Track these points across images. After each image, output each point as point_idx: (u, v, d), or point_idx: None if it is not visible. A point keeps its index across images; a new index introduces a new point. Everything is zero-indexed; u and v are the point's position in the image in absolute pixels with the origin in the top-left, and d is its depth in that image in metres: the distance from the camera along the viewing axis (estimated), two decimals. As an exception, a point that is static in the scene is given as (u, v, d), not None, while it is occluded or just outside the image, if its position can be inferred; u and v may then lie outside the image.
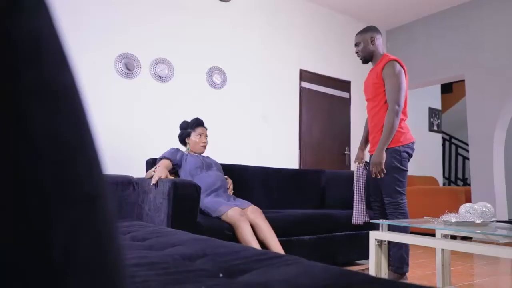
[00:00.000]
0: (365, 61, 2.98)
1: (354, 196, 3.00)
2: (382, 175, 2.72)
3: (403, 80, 2.75)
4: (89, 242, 0.22)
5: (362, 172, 2.97)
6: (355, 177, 2.99)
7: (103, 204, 0.24)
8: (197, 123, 3.18)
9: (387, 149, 2.75)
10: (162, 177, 2.66)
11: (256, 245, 2.58)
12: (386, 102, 2.79)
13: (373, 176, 2.77)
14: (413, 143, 2.83)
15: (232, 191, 3.22)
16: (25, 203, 0.20)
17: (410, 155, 2.81)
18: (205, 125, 3.25)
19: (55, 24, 0.23)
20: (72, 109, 0.24)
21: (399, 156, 2.74)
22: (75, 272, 0.21)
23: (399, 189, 2.73)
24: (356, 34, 2.99)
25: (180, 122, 3.27)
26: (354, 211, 3.01)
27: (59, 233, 0.21)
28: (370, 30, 2.94)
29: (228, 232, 2.64)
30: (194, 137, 3.14)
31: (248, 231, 2.62)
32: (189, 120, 3.26)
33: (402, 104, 2.74)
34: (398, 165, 2.73)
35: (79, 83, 0.25)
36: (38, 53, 0.21)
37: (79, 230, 0.22)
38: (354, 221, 3.01)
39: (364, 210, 2.98)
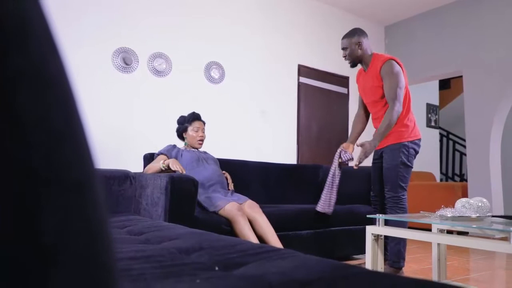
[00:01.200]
0: (353, 65, 2.95)
1: (327, 183, 2.92)
2: (356, 167, 2.71)
3: (403, 79, 2.74)
4: (79, 228, 0.22)
5: (337, 158, 2.89)
6: (333, 165, 2.93)
7: (93, 191, 0.24)
8: (194, 117, 3.16)
9: (396, 144, 2.76)
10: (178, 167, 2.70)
11: (255, 240, 2.59)
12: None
13: (356, 162, 2.72)
14: (419, 140, 2.85)
15: (232, 184, 3.23)
16: (13, 190, 0.20)
17: (417, 152, 2.82)
18: (203, 119, 3.24)
19: (43, 10, 0.23)
20: (61, 95, 0.23)
21: (407, 152, 2.75)
22: (65, 258, 0.21)
23: (402, 185, 2.74)
24: (342, 38, 2.94)
25: (178, 117, 3.25)
26: (323, 197, 2.91)
27: (49, 219, 0.21)
28: (356, 34, 2.89)
29: (226, 227, 2.65)
30: (191, 131, 3.12)
31: (246, 226, 2.63)
32: (186, 114, 3.25)
33: (402, 102, 2.72)
34: (405, 160, 2.74)
35: (69, 70, 0.25)
36: (25, 39, 0.21)
37: (69, 217, 0.22)
38: (318, 208, 2.93)
39: (332, 199, 2.89)
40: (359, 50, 2.87)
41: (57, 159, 0.22)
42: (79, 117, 0.25)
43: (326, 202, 2.92)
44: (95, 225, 0.24)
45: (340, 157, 2.87)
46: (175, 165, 2.72)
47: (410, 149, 2.77)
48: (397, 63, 2.77)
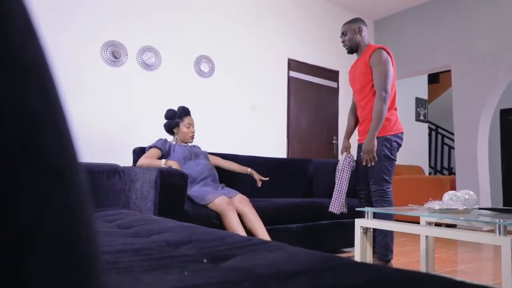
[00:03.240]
0: (351, 51, 3.01)
1: (336, 184, 2.99)
2: (373, 163, 2.76)
3: (390, 68, 2.78)
4: (59, 213, 0.22)
5: (349, 163, 2.97)
6: (340, 166, 2.99)
7: (74, 176, 0.24)
8: (185, 112, 3.15)
9: (378, 137, 2.78)
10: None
11: (243, 234, 2.59)
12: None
13: (364, 163, 2.79)
14: (402, 133, 2.88)
15: (261, 181, 3.27)
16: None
17: (400, 145, 2.85)
18: (193, 113, 3.24)
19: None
20: (41, 80, 0.23)
21: (389, 145, 2.78)
22: (44, 243, 0.21)
23: (386, 178, 2.78)
24: (343, 24, 3.02)
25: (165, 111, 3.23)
26: (333, 198, 2.98)
27: (27, 204, 0.20)
28: (358, 21, 2.98)
29: (215, 220, 2.65)
30: (183, 127, 3.12)
31: (235, 220, 2.63)
32: (174, 108, 3.23)
33: (390, 91, 2.76)
34: (388, 153, 2.77)
35: (48, 55, 0.25)
36: (2, 23, 0.21)
37: (48, 202, 0.22)
38: (330, 209, 2.98)
39: (343, 200, 2.96)
40: (358, 36, 2.94)
41: (36, 143, 0.22)
42: (59, 101, 0.24)
43: (338, 203, 2.96)
44: (75, 211, 0.24)
45: (350, 165, 2.96)
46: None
47: (393, 142, 2.80)
48: (387, 52, 2.81)
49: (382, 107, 2.72)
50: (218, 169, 3.29)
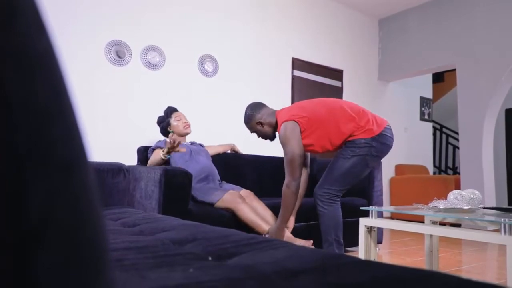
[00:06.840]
0: (272, 138, 2.83)
1: None
2: None
3: (292, 141, 2.48)
4: (67, 208, 0.22)
5: None
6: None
7: (82, 171, 0.24)
8: (171, 110, 3.27)
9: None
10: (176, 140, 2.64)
11: (261, 222, 2.61)
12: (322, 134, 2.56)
13: None
14: (378, 135, 2.52)
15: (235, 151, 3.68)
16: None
17: (377, 151, 2.53)
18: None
19: (31, -11, 0.23)
20: (49, 75, 0.23)
21: (350, 152, 2.54)
22: (51, 238, 0.21)
23: (331, 187, 2.59)
24: (245, 124, 2.86)
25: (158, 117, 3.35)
26: None
27: (35, 199, 0.21)
28: (252, 116, 2.77)
29: (221, 219, 2.65)
30: (174, 122, 3.18)
31: (250, 211, 2.65)
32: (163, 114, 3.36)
33: (297, 173, 2.49)
34: (345, 162, 2.55)
35: (57, 50, 0.25)
36: (12, 18, 0.21)
37: (56, 197, 0.22)
38: None
39: None
40: (264, 127, 2.77)
41: (44, 138, 0.22)
42: (68, 97, 0.24)
43: None
44: (83, 206, 0.24)
45: None
46: (171, 139, 2.62)
47: (357, 149, 2.52)
48: (290, 121, 2.54)
49: (288, 196, 2.51)
50: (220, 167, 3.30)
